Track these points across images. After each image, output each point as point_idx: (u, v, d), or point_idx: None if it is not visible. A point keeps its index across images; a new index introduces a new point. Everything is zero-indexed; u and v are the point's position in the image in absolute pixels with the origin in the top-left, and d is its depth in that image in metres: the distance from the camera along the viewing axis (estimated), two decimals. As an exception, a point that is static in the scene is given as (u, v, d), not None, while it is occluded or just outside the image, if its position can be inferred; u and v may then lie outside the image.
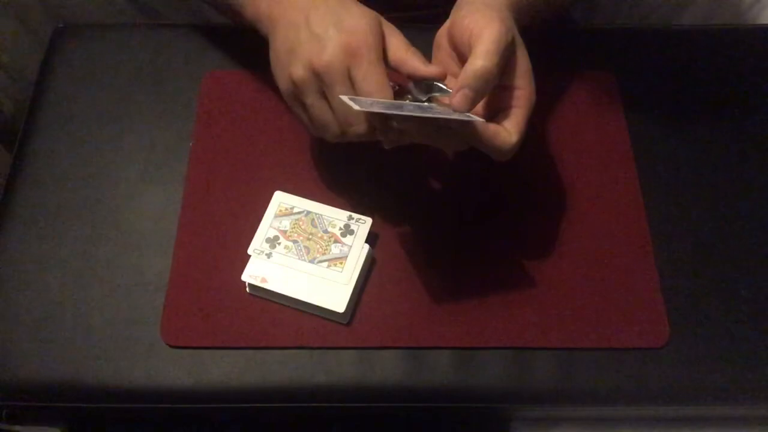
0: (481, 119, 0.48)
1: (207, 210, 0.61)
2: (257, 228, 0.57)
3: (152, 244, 0.60)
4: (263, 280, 0.55)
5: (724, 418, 0.61)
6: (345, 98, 0.48)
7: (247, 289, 0.57)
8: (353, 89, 0.50)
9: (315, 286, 0.55)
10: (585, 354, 0.55)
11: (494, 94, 0.51)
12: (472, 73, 0.47)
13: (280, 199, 0.59)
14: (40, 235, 0.60)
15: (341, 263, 0.56)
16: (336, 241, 0.56)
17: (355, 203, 0.59)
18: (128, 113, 0.66)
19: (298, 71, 0.50)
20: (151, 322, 0.56)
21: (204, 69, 0.68)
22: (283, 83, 0.53)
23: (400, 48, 0.52)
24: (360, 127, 0.51)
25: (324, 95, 0.51)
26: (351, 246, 0.56)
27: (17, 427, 0.60)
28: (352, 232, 0.57)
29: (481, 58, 0.47)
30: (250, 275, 0.55)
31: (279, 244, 0.56)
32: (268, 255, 0.56)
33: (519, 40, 0.51)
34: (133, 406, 0.56)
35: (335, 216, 0.58)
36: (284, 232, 0.57)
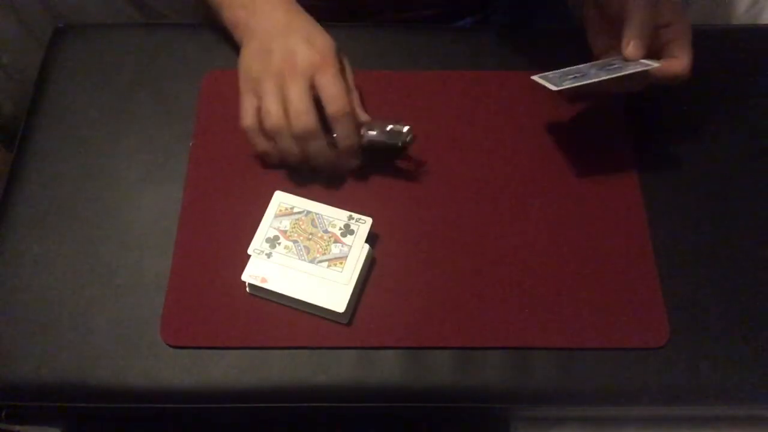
0: (655, 62, 0.56)
1: (207, 210, 0.61)
2: (257, 228, 0.57)
3: (152, 244, 0.60)
4: (263, 280, 0.55)
5: (724, 418, 0.61)
6: (537, 78, 0.58)
7: (247, 289, 0.57)
8: (317, 92, 0.57)
9: (315, 286, 0.55)
10: (585, 354, 0.55)
11: (656, 34, 0.58)
12: (634, 24, 0.56)
13: (280, 199, 0.59)
14: (40, 235, 0.60)
15: (341, 263, 0.56)
16: (336, 241, 0.56)
17: (355, 203, 0.59)
18: (128, 113, 0.66)
19: (268, 67, 0.57)
20: (151, 322, 0.56)
21: (204, 69, 0.68)
22: (245, 71, 0.59)
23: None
24: (309, 122, 0.56)
25: (281, 91, 0.57)
26: (351, 246, 0.56)
27: (17, 427, 0.60)
28: (352, 232, 0.57)
29: (638, 11, 0.56)
30: (250, 275, 0.55)
31: (279, 244, 0.56)
32: (268, 255, 0.56)
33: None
34: (133, 406, 0.56)
35: (335, 216, 0.58)
36: (284, 232, 0.57)
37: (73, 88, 0.68)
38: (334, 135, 0.58)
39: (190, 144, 0.64)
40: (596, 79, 0.56)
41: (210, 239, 0.59)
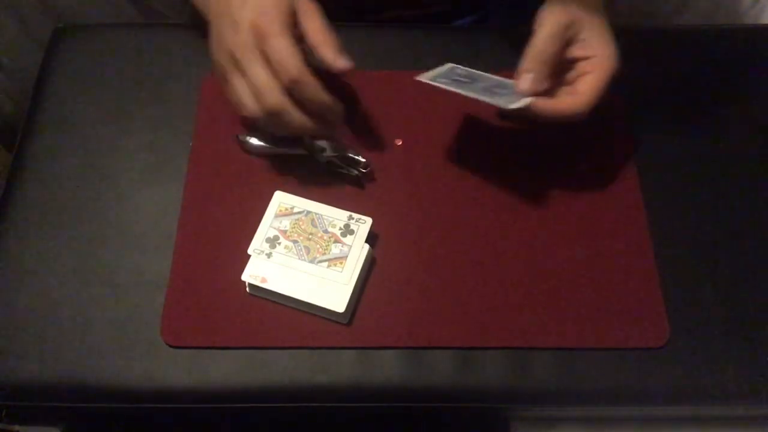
0: (530, 99, 0.54)
1: (207, 210, 0.61)
2: (257, 228, 0.57)
3: (152, 244, 0.60)
4: (263, 280, 0.55)
5: (724, 418, 0.61)
6: (422, 78, 0.56)
7: (247, 289, 0.57)
8: (269, 63, 0.52)
9: (315, 286, 0.55)
10: (585, 354, 0.55)
11: (570, 66, 0.56)
12: (530, 56, 0.54)
13: (280, 199, 0.59)
14: (40, 235, 0.60)
15: (341, 263, 0.56)
16: (336, 241, 0.56)
17: (355, 203, 0.59)
18: (128, 113, 0.66)
19: (220, 54, 0.54)
20: (151, 322, 0.56)
21: (204, 69, 0.68)
22: (213, 64, 0.57)
23: (316, 32, 0.55)
24: (272, 98, 0.52)
25: (243, 73, 0.53)
26: (351, 246, 0.56)
27: (17, 427, 0.60)
28: (352, 232, 0.57)
29: (539, 42, 0.54)
30: (250, 275, 0.55)
31: (279, 244, 0.56)
32: (268, 255, 0.56)
33: (587, 17, 0.56)
34: (133, 406, 0.56)
35: (335, 216, 0.58)
36: (284, 232, 0.57)
37: (73, 88, 0.68)
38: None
39: (190, 144, 0.64)
40: (470, 94, 0.54)
41: (210, 239, 0.59)
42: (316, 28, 0.54)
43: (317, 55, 0.54)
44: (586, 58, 0.56)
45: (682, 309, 0.57)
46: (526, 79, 0.54)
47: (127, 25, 0.72)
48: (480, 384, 0.55)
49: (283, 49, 0.51)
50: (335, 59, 0.54)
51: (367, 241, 0.57)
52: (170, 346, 0.55)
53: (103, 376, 0.55)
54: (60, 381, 0.55)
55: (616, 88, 0.67)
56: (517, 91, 0.54)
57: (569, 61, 0.56)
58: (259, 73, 0.52)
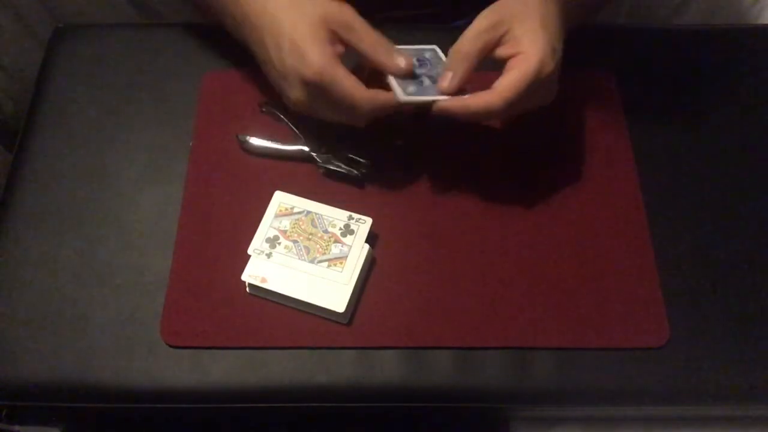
0: (443, 97, 0.55)
1: (207, 210, 0.61)
2: (257, 228, 0.57)
3: (152, 244, 0.60)
4: (263, 280, 0.55)
5: (724, 418, 0.61)
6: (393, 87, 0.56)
7: (247, 289, 0.57)
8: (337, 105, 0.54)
9: (315, 286, 0.55)
10: (585, 354, 0.55)
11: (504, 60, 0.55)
12: (451, 56, 0.55)
13: (280, 199, 0.59)
14: (40, 235, 0.60)
15: (341, 263, 0.56)
16: (336, 241, 0.56)
17: (355, 203, 0.59)
18: (128, 113, 0.66)
19: (294, 97, 0.55)
20: (151, 322, 0.56)
21: (204, 69, 0.68)
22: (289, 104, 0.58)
23: (374, 47, 0.56)
24: (360, 123, 0.56)
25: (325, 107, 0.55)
26: (351, 246, 0.56)
27: (17, 427, 0.60)
28: (352, 232, 0.57)
29: (463, 42, 0.54)
30: (250, 275, 0.55)
31: (279, 244, 0.56)
32: (268, 255, 0.56)
33: (521, 14, 0.55)
34: (133, 406, 0.56)
35: (335, 216, 0.58)
36: (284, 232, 0.57)
37: (73, 88, 0.68)
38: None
39: (190, 144, 0.64)
40: (400, 93, 0.55)
41: (210, 239, 0.59)
42: (371, 43, 0.55)
43: (383, 68, 0.56)
44: (515, 55, 0.54)
45: (682, 309, 0.57)
46: (446, 78, 0.55)
47: (127, 25, 0.72)
48: (480, 384, 0.55)
49: (348, 96, 0.53)
50: (400, 65, 0.56)
51: (367, 241, 0.57)
52: (170, 346, 0.55)
53: (103, 376, 0.55)
54: (60, 381, 0.55)
55: (616, 88, 0.67)
56: (437, 90, 0.55)
57: (502, 60, 0.55)
58: (339, 117, 0.56)
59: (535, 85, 0.53)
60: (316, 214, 0.58)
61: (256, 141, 0.62)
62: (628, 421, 0.62)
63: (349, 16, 0.55)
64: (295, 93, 0.55)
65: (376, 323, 0.56)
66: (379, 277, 0.58)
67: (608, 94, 0.67)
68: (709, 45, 0.72)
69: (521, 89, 0.53)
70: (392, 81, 0.56)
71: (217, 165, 0.63)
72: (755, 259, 0.59)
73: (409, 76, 0.56)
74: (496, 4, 0.56)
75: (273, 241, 0.56)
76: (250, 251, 0.56)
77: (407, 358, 0.55)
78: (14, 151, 0.65)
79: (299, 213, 0.58)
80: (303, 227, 0.57)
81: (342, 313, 0.54)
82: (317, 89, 0.53)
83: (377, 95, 0.54)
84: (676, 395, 0.55)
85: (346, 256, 0.56)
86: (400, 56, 0.55)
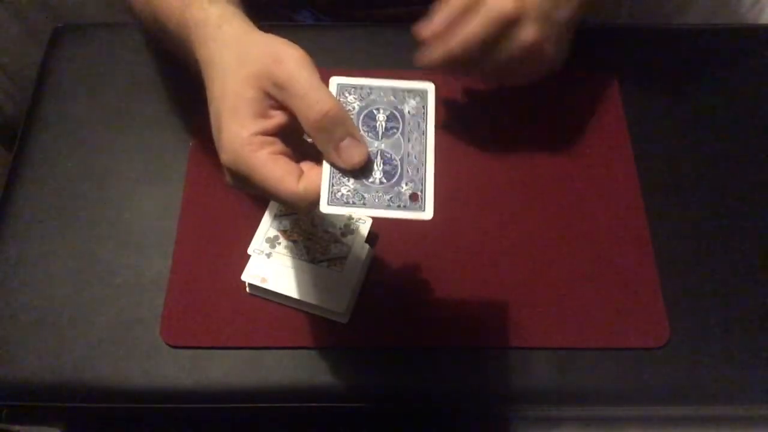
0: (390, 213, 0.41)
1: (207, 210, 0.61)
2: (257, 228, 0.57)
3: (152, 244, 0.60)
4: (263, 280, 0.55)
5: (724, 418, 0.61)
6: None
7: (247, 289, 0.57)
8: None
9: (315, 286, 0.55)
10: (585, 354, 0.55)
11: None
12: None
13: (280, 199, 0.59)
14: (40, 235, 0.60)
15: (341, 263, 0.56)
16: (336, 241, 0.56)
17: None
18: (128, 113, 0.66)
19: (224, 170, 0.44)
20: (151, 322, 0.56)
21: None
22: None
23: (308, 119, 0.41)
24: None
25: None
26: (351, 246, 0.56)
27: (17, 427, 0.60)
28: (352, 232, 0.57)
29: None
30: (250, 275, 0.55)
31: (279, 243, 0.56)
32: (268, 255, 0.56)
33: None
34: (133, 406, 0.56)
35: (335, 216, 0.58)
36: (284, 231, 0.57)
37: (73, 88, 0.68)
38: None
39: (190, 144, 0.64)
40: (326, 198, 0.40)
41: (210, 239, 0.59)
42: (308, 115, 0.40)
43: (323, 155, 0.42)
44: None
45: (682, 309, 0.57)
46: (433, 23, 0.54)
47: (127, 25, 0.72)
48: (480, 384, 0.55)
49: (272, 191, 0.41)
50: (349, 160, 0.41)
51: (367, 240, 0.57)
52: (170, 346, 0.55)
53: (103, 376, 0.55)
54: (60, 381, 0.55)
55: (616, 88, 0.67)
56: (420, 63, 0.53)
57: None
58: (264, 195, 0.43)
59: (497, 28, 0.53)
60: (316, 213, 0.58)
61: None
62: (628, 421, 0.62)
63: (284, 69, 0.41)
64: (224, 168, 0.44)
65: (376, 323, 0.56)
66: (379, 277, 0.58)
67: (609, 94, 0.67)
68: (709, 45, 0.72)
69: (479, 30, 0.53)
70: (325, 169, 0.41)
71: (217, 165, 0.62)
72: (755, 259, 0.59)
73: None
74: None
75: (273, 241, 0.56)
76: (250, 251, 0.56)
77: (407, 358, 0.55)
78: (14, 151, 0.65)
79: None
80: (303, 227, 0.57)
81: (342, 313, 0.54)
82: (236, 177, 0.43)
83: (309, 190, 0.40)
84: (676, 395, 0.55)
85: (346, 256, 0.56)
86: (351, 147, 0.40)
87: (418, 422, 0.63)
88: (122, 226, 0.61)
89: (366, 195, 0.41)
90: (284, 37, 0.44)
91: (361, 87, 0.43)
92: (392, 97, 0.42)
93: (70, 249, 0.60)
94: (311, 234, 0.57)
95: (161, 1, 0.53)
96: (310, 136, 0.41)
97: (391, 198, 0.41)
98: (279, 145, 0.41)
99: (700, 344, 0.56)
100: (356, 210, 0.40)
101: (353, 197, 0.40)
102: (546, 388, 0.55)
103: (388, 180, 0.41)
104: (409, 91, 0.43)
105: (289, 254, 0.56)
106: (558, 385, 0.55)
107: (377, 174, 0.41)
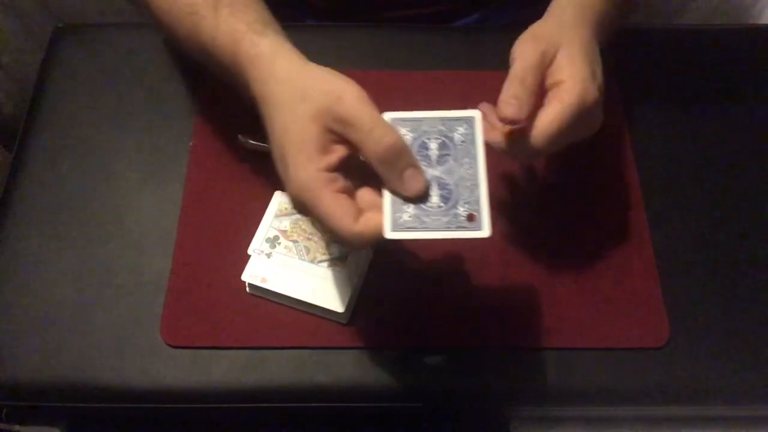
0: (452, 234, 0.43)
1: (207, 210, 0.61)
2: (257, 228, 0.57)
3: (152, 244, 0.60)
4: (263, 280, 0.55)
5: (724, 418, 0.61)
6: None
7: (247, 289, 0.57)
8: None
9: (315, 286, 0.55)
10: (585, 354, 0.55)
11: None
12: (511, 82, 0.48)
13: (280, 199, 0.59)
14: (40, 235, 0.60)
15: (341, 263, 0.56)
16: (336, 241, 0.56)
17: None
18: (128, 113, 0.66)
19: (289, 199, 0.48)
20: (151, 322, 0.56)
21: (204, 69, 0.68)
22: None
23: (373, 152, 0.44)
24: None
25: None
26: (351, 246, 0.56)
27: (17, 427, 0.60)
28: (352, 232, 0.57)
29: (519, 72, 0.48)
30: (250, 275, 0.55)
31: (279, 244, 0.56)
32: (268, 255, 0.56)
33: (559, 36, 0.50)
34: (133, 406, 0.56)
35: (335, 216, 0.58)
36: (284, 232, 0.57)
37: (72, 88, 0.68)
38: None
39: (190, 144, 0.64)
40: (390, 224, 0.43)
41: (210, 239, 0.59)
42: (374, 148, 0.43)
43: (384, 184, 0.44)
44: (555, 85, 0.48)
45: (682, 309, 0.57)
46: (509, 105, 0.47)
47: (127, 25, 0.72)
48: (480, 384, 0.55)
49: (332, 226, 0.43)
50: (412, 189, 0.44)
51: (367, 241, 0.57)
52: (170, 346, 0.55)
53: (103, 376, 0.55)
54: (60, 381, 0.55)
55: (616, 87, 0.67)
56: (499, 118, 0.47)
57: (544, 92, 0.49)
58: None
59: (578, 116, 0.48)
60: (316, 214, 0.58)
61: (256, 141, 0.62)
62: (628, 421, 0.62)
63: (347, 106, 0.43)
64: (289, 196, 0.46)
65: (376, 323, 0.56)
66: (379, 277, 0.58)
67: (609, 94, 0.67)
68: (709, 45, 0.72)
69: (564, 123, 0.47)
70: (386, 198, 0.44)
71: (217, 165, 0.63)
72: (755, 259, 0.59)
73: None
74: (533, 28, 0.51)
75: (273, 241, 0.56)
76: (250, 251, 0.56)
77: (407, 358, 0.55)
78: (14, 151, 0.65)
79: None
80: (303, 227, 0.57)
81: (342, 313, 0.54)
82: (300, 206, 0.45)
83: (365, 231, 0.43)
84: (676, 395, 0.55)
85: (346, 256, 0.56)
86: (414, 176, 0.43)
87: (418, 422, 0.63)
88: (122, 226, 0.61)
89: (426, 219, 0.43)
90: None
91: (412, 119, 0.46)
92: (442, 126, 0.45)
93: (70, 249, 0.60)
94: (311, 234, 0.57)
95: (208, 37, 0.52)
96: (375, 168, 0.44)
97: (449, 220, 0.43)
98: (341, 182, 0.44)
99: (700, 344, 0.56)
100: (418, 234, 0.43)
101: (414, 222, 0.43)
102: (546, 388, 0.55)
103: (445, 203, 0.44)
104: (457, 119, 0.46)
105: (289, 254, 0.56)
106: (558, 385, 0.55)
107: (434, 199, 0.44)
